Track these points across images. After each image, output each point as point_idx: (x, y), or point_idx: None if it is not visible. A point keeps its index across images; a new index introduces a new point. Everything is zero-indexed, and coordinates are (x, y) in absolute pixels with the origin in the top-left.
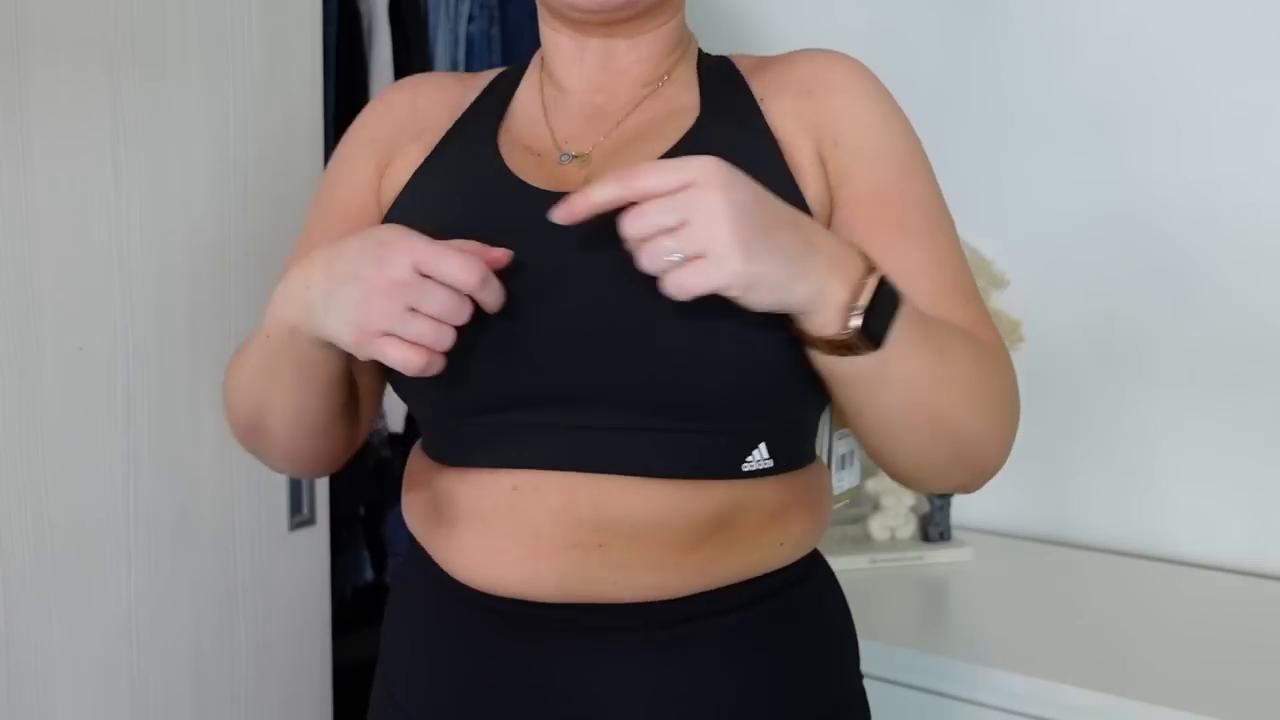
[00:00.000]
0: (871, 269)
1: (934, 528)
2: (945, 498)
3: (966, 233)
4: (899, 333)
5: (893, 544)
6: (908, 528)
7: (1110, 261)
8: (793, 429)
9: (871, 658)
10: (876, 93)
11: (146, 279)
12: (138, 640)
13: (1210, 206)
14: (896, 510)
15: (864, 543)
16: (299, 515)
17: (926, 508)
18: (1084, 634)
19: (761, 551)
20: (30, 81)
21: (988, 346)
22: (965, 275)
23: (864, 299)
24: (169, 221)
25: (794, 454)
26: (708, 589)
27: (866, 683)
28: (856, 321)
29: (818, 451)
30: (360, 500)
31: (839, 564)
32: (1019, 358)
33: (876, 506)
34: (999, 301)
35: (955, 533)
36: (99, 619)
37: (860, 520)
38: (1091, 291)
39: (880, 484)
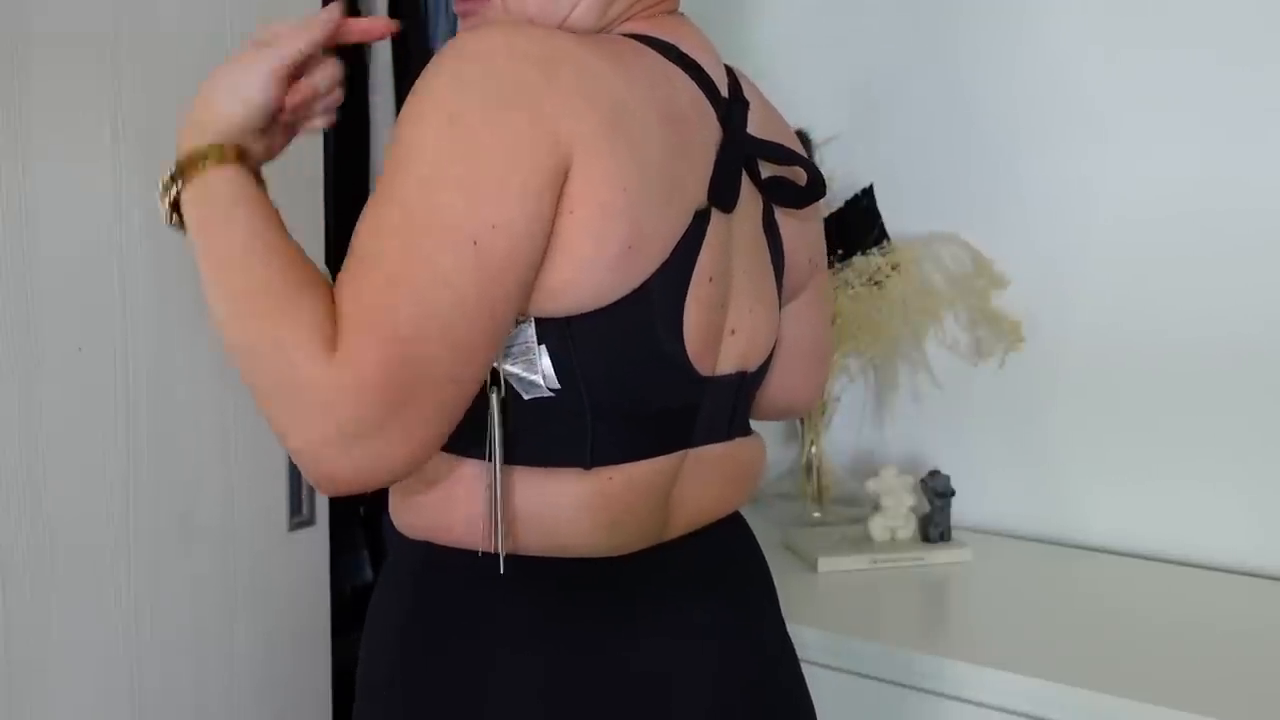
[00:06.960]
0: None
1: (934, 528)
2: (945, 498)
3: (967, 233)
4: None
5: (893, 544)
6: (908, 528)
7: (1111, 261)
8: None
9: (872, 658)
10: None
11: (146, 279)
12: (138, 640)
13: (1211, 205)
14: (896, 511)
15: (864, 543)
16: (299, 515)
17: (927, 508)
18: (1084, 634)
19: None
20: (30, 80)
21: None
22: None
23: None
24: None
25: None
26: None
27: (868, 683)
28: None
29: None
30: (360, 500)
31: (840, 564)
32: (1019, 358)
33: (877, 507)
34: (999, 301)
35: (955, 533)
36: (99, 619)
37: (860, 521)
38: (1092, 291)
39: (880, 484)
